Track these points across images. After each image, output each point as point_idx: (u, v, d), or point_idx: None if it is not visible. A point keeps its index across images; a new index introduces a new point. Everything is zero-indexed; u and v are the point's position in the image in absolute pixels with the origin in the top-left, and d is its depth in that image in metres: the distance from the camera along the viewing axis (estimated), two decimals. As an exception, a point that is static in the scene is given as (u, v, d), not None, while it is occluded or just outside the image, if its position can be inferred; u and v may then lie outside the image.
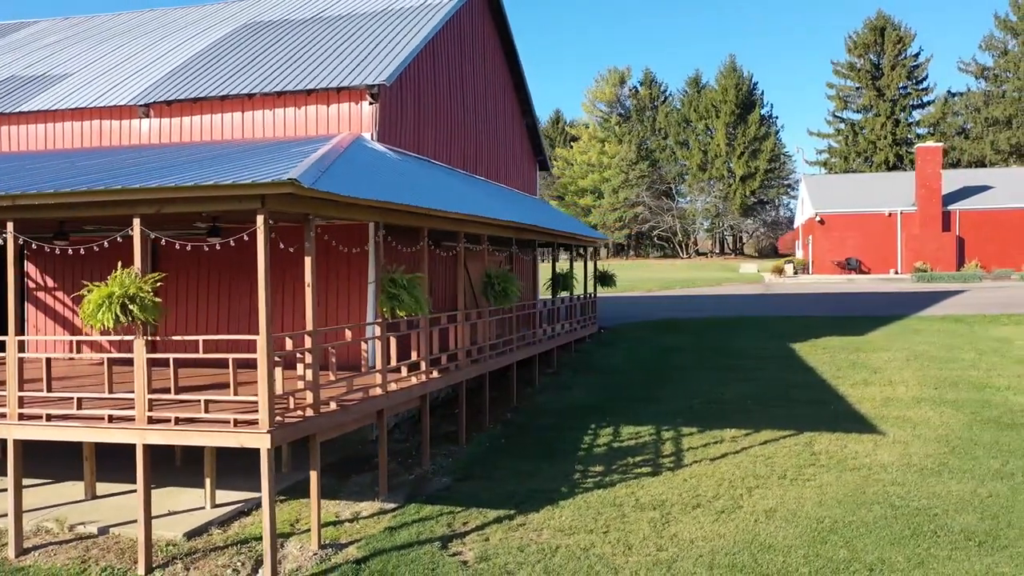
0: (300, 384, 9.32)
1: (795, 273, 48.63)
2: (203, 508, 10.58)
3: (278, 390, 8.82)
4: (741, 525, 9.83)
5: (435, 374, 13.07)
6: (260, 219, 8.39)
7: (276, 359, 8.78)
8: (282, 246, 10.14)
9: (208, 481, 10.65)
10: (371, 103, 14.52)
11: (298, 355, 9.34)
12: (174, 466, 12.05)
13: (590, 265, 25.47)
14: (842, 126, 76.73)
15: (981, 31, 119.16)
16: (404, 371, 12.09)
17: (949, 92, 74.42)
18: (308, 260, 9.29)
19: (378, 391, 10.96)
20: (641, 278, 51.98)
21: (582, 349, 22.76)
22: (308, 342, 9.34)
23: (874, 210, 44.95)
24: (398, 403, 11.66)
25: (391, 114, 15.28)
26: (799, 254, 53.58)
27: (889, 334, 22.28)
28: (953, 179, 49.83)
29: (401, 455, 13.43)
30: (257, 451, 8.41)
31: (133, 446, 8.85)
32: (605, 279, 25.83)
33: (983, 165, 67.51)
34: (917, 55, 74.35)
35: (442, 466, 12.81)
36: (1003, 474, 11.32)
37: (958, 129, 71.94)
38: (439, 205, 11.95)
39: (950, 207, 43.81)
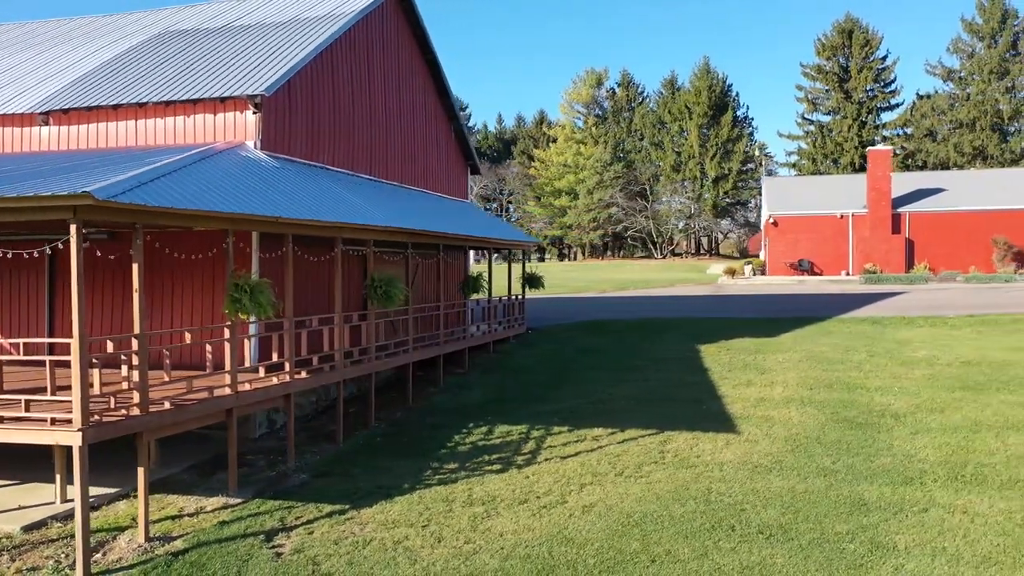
0: (125, 384, 9.78)
1: (753, 274, 49.20)
2: (52, 503, 11.03)
3: (96, 390, 9.28)
4: (555, 520, 10.32)
5: (303, 374, 13.54)
6: (73, 228, 8.85)
7: (123, 358, 9.23)
8: (168, 250, 10.60)
9: (59, 477, 11.10)
10: (254, 112, 14.99)
11: (166, 354, 9.80)
12: (51, 463, 12.49)
13: (520, 267, 25.97)
14: (811, 128, 77.39)
15: (950, 34, 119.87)
16: (262, 371, 12.57)
17: (918, 94, 75.13)
18: (135, 266, 9.75)
19: (227, 391, 11.42)
20: (601, 279, 52.48)
21: (502, 350, 23.22)
22: (135, 344, 9.79)
23: (826, 212, 45.53)
24: (252, 402, 12.12)
25: (279, 122, 15.75)
26: (761, 255, 54.17)
27: (801, 335, 22.78)
28: (909, 181, 50.46)
29: (276, 452, 13.86)
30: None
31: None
32: (533, 281, 26.33)
33: (948, 167, 68.18)
34: (884, 58, 75.03)
35: (308, 463, 13.26)
36: (828, 471, 11.82)
37: (926, 131, 72.58)
38: (296, 214, 12.42)
39: (900, 209, 44.40)
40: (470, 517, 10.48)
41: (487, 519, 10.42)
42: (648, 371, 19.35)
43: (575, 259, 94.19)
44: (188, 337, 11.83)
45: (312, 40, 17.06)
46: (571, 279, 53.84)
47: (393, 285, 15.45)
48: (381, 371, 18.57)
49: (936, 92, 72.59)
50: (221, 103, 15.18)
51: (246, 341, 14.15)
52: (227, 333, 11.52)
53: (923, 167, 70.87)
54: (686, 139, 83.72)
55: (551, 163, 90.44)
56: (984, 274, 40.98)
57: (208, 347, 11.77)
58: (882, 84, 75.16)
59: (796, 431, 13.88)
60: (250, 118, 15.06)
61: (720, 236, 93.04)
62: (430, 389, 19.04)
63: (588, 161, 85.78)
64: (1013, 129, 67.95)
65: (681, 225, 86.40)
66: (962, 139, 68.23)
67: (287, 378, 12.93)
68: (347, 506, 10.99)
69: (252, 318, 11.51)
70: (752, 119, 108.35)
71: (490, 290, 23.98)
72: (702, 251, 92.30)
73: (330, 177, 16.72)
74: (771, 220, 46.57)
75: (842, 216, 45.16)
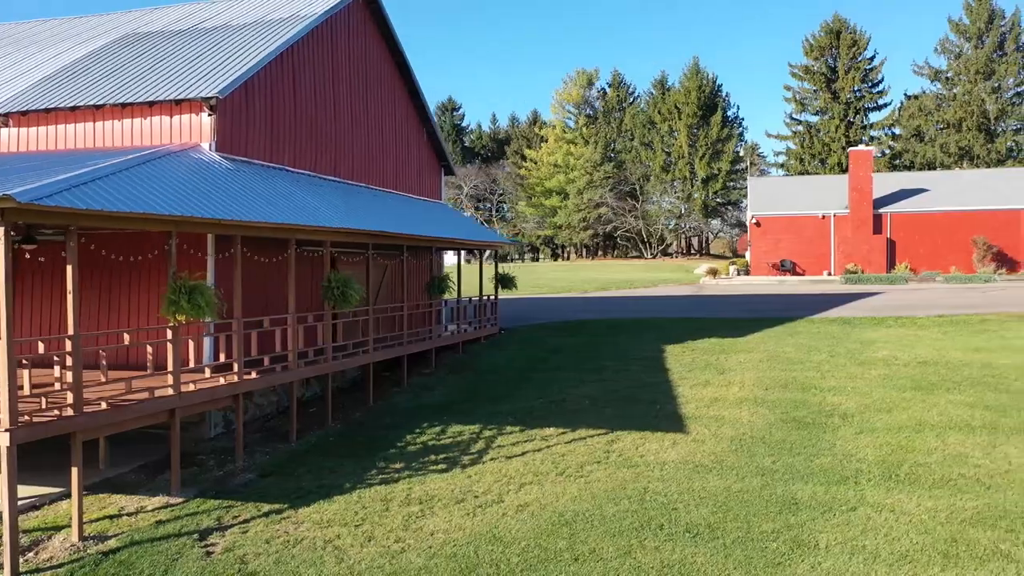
0: (58, 385, 9.87)
1: (737, 275, 49.34)
2: (-8, 503, 11.10)
3: (26, 391, 9.37)
4: (487, 519, 10.43)
5: (253, 375, 13.64)
6: (0, 230, 8.94)
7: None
8: (115, 252, 10.69)
9: None
10: (209, 114, 15.09)
11: (102, 355, 9.89)
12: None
13: (498, 267, 26.07)
14: (799, 128, 77.54)
15: (938, 34, 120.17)
16: (208, 372, 12.67)
17: (906, 95, 75.33)
18: (69, 268, 9.85)
19: (169, 391, 11.52)
20: (586, 279, 52.58)
21: (472, 350, 23.30)
22: (69, 345, 9.89)
23: (808, 213, 45.68)
24: (197, 403, 12.21)
25: (236, 124, 15.85)
26: (747, 256, 54.31)
27: (767, 336, 22.89)
28: (892, 182, 50.63)
29: (229, 452, 13.94)
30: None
31: None
32: (505, 282, 26.43)
33: (934, 168, 68.38)
34: (872, 58, 75.19)
35: (258, 463, 13.36)
36: (766, 470, 11.93)
37: (913, 132, 72.76)
38: (242, 215, 12.51)
39: (881, 210, 44.55)
40: (405, 516, 10.58)
41: (421, 518, 10.52)
42: (611, 371, 19.46)
43: (568, 259, 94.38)
44: (127, 338, 11.91)
45: (272, 42, 17.16)
46: (556, 279, 53.98)
47: (349, 286, 15.54)
48: (347, 371, 18.77)
49: (923, 92, 72.79)
50: (177, 105, 15.28)
51: (204, 341, 14.28)
52: (170, 334, 11.61)
53: (910, 167, 71.07)
54: (676, 139, 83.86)
55: (541, 163, 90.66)
56: (964, 274, 41.14)
57: (149, 348, 11.84)
58: (869, 84, 75.33)
59: (743, 431, 13.99)
60: (205, 120, 15.15)
61: (711, 236, 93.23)
62: (394, 389, 19.15)
63: (578, 161, 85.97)
64: (999, 129, 68.09)
65: (671, 225, 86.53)
66: (948, 139, 68.44)
67: (235, 379, 13.02)
68: (285, 505, 11.09)
69: (207, 319, 11.61)
70: (743, 119, 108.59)
71: (459, 290, 24.10)
72: (693, 251, 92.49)
73: (289, 178, 16.81)
74: (754, 221, 46.72)
75: (824, 216, 45.30)
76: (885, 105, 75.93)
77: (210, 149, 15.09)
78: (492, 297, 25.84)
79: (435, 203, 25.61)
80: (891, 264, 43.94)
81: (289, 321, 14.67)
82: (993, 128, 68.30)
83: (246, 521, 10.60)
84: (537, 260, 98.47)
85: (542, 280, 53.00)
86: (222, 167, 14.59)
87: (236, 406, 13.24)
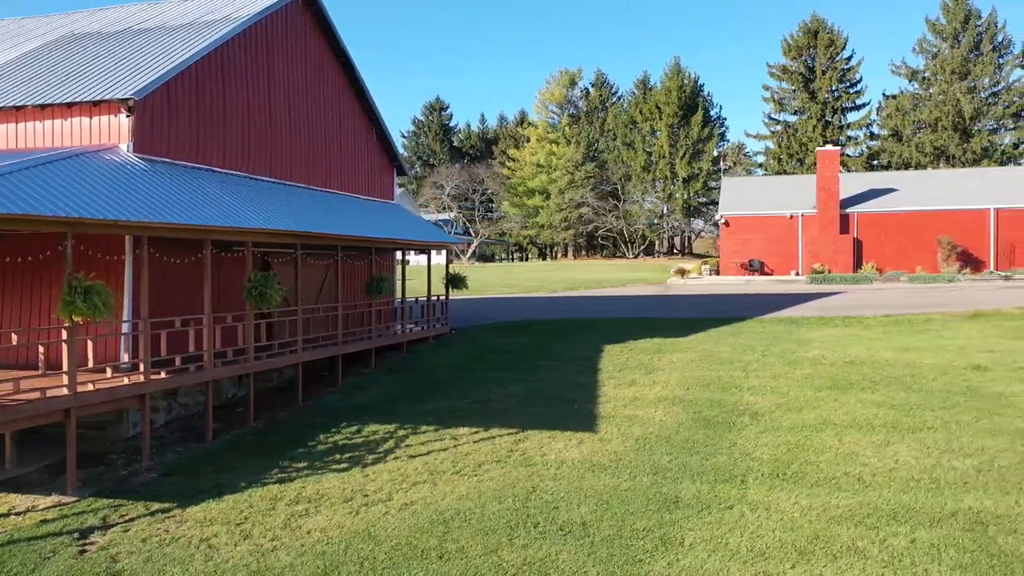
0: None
1: (708, 274, 49.48)
2: None
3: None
4: (368, 518, 10.52)
5: (163, 375, 13.73)
6: None
7: None
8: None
9: None
10: (127, 115, 15.16)
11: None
12: None
13: (458, 267, 26.12)
14: (778, 128, 77.73)
15: (917, 35, 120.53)
16: (109, 372, 12.75)
17: (884, 95, 75.53)
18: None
19: (64, 391, 11.60)
20: (559, 279, 52.70)
21: (417, 350, 23.39)
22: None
23: (777, 213, 45.84)
24: (95, 402, 12.29)
25: (157, 125, 15.93)
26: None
27: (710, 336, 23.01)
28: (863, 181, 50.85)
29: (139, 451, 14.01)
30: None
31: None
32: (456, 282, 26.53)
33: (911, 167, 68.63)
34: (849, 58, 75.42)
35: (166, 462, 13.43)
36: (660, 469, 12.04)
37: (891, 131, 73.01)
38: (144, 216, 12.58)
39: (848, 210, 44.72)
40: (288, 515, 10.67)
41: (304, 517, 10.62)
42: (546, 371, 19.57)
43: (555, 259, 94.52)
44: (15, 338, 11.98)
45: (197, 44, 17.22)
46: (530, 279, 54.12)
47: (268, 286, 15.62)
48: (284, 371, 18.85)
49: (901, 92, 73.02)
50: (95, 106, 15.35)
51: (119, 340, 14.36)
52: (65, 334, 11.69)
53: (888, 167, 71.33)
54: (657, 139, 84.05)
55: (524, 163, 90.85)
56: (928, 274, 41.33)
57: (41, 348, 11.91)
58: (847, 84, 75.56)
59: (652, 430, 14.10)
60: (123, 121, 15.23)
61: (693, 236, 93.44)
62: (328, 389, 19.26)
63: (560, 161, 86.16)
64: (975, 129, 68.34)
65: (652, 225, 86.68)
66: (924, 139, 68.68)
67: (141, 379, 13.10)
68: (175, 505, 11.17)
69: (81, 320, 11.69)
70: (725, 119, 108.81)
71: (403, 291, 24.20)
72: (676, 251, 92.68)
73: (213, 179, 16.87)
74: (722, 220, 46.87)
75: (792, 216, 45.48)
76: (863, 105, 76.26)
77: (128, 150, 15.17)
78: (441, 297, 25.93)
79: (384, 203, 25.69)
80: (858, 264, 44.12)
81: (205, 321, 14.75)
82: (969, 128, 68.54)
83: (131, 520, 10.68)
84: (525, 259, 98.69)
85: (515, 280, 53.15)
86: (136, 168, 14.66)
87: (143, 406, 13.30)
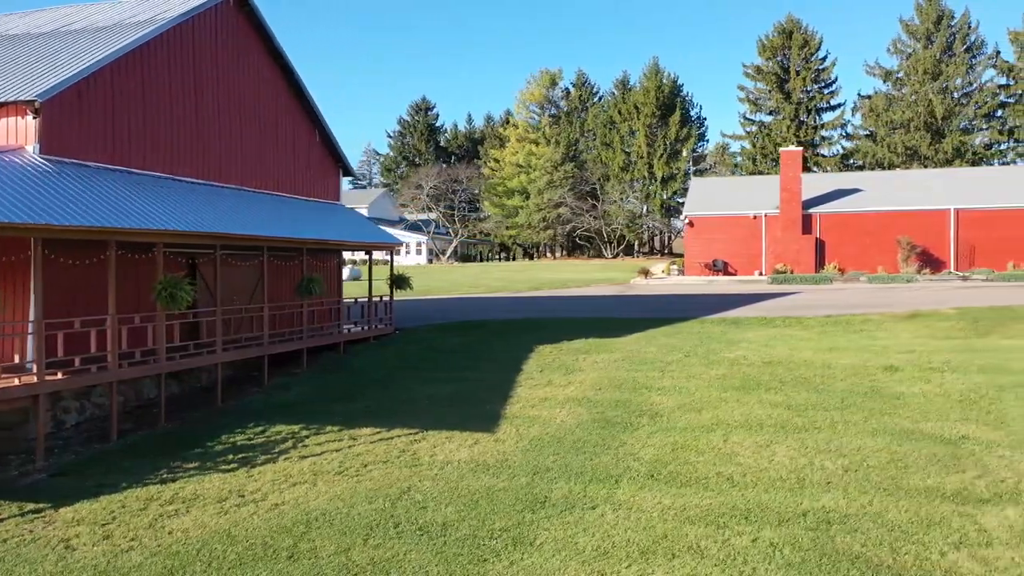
0: None
1: (677, 274, 49.62)
2: None
3: None
4: (235, 518, 10.60)
5: (59, 376, 13.79)
6: None
7: None
8: None
9: None
10: (34, 117, 15.21)
11: None
12: None
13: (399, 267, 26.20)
14: (753, 128, 77.94)
15: (893, 35, 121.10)
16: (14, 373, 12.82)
17: (859, 95, 75.78)
18: None
19: (-56, 393, 11.65)
20: (527, 279, 52.74)
21: (355, 350, 23.45)
22: None
23: (741, 213, 46.01)
24: (-21, 404, 12.34)
25: (68, 127, 15.97)
26: (689, 255, 54.58)
27: (646, 336, 23.10)
28: (830, 182, 51.07)
29: (47, 451, 14.05)
30: None
31: None
32: (400, 282, 26.59)
33: (884, 167, 68.90)
34: (824, 58, 75.65)
35: (61, 463, 13.51)
36: (541, 469, 12.13)
37: (867, 132, 73.29)
38: (35, 218, 12.64)
39: (811, 210, 44.91)
40: (156, 516, 10.74)
41: (171, 517, 10.69)
42: (473, 372, 19.66)
43: (537, 259, 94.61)
44: None
45: (114, 45, 17.26)
46: (498, 279, 54.17)
47: (178, 288, 15.68)
48: (213, 371, 18.90)
49: (876, 92, 73.31)
50: (1, 108, 15.38)
51: (22, 340, 14.42)
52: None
53: (862, 167, 71.59)
54: (635, 139, 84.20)
55: (505, 163, 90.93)
56: (888, 274, 41.54)
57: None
58: (821, 85, 75.80)
59: (549, 430, 14.20)
60: (30, 123, 15.28)
61: (672, 235, 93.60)
62: (253, 389, 19.33)
63: (539, 161, 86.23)
64: (947, 129, 68.61)
65: (631, 225, 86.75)
66: (896, 140, 68.95)
67: (34, 379, 13.16)
68: (49, 505, 11.22)
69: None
70: (704, 119, 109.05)
71: (340, 292, 24.24)
72: (655, 251, 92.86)
73: (127, 180, 16.91)
74: (686, 220, 47.03)
75: (756, 217, 45.65)
76: (838, 105, 76.54)
77: (35, 152, 15.21)
78: (384, 297, 26.02)
79: (327, 204, 25.74)
80: (820, 264, 44.31)
81: (109, 322, 14.81)
82: (941, 128, 68.81)
83: (2, 520, 10.73)
84: (511, 259, 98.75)
85: (483, 280, 53.20)
86: (41, 170, 14.71)
87: (35, 407, 13.36)
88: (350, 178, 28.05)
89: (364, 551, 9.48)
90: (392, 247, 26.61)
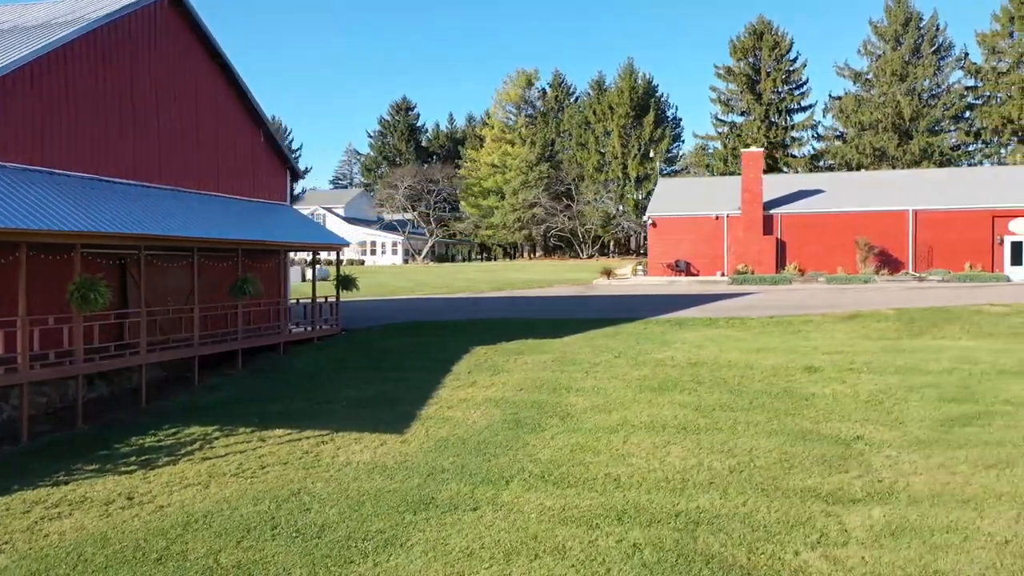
0: None
1: (642, 274, 49.75)
2: None
3: None
4: (116, 520, 10.59)
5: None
6: None
7: None
8: None
9: None
10: (-55, 118, 15.12)
11: None
12: None
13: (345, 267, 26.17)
14: (724, 129, 78.28)
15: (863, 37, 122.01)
16: None
17: (830, 96, 76.18)
18: None
19: None
20: (493, 279, 52.79)
21: (296, 351, 23.45)
22: None
23: (703, 214, 46.20)
24: None
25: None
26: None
27: (586, 337, 23.17)
28: (794, 182, 51.36)
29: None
30: None
31: None
32: (346, 283, 26.58)
33: (853, 168, 69.36)
34: (794, 60, 76.06)
35: (-39, 465, 13.44)
36: (437, 471, 12.17)
37: (836, 132, 73.77)
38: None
39: (773, 211, 45.15)
40: (38, 518, 10.72)
41: (53, 520, 10.67)
42: (405, 372, 19.69)
43: (515, 259, 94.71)
44: None
45: (34, 44, 17.19)
46: (465, 279, 54.20)
47: (92, 289, 15.64)
48: (146, 371, 18.87)
49: (846, 93, 73.77)
50: (-85, 109, 15.30)
51: None
52: None
53: (831, 168, 72.03)
54: (610, 139, 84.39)
55: (480, 163, 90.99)
56: (847, 275, 41.83)
57: None
58: (792, 86, 76.20)
59: (458, 432, 14.26)
60: (-58, 123, 15.20)
61: (645, 236, 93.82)
62: (182, 390, 19.31)
63: (514, 162, 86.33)
64: (914, 131, 69.11)
65: (604, 225, 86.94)
66: (863, 141, 69.45)
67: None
68: (-71, 508, 11.18)
69: None
70: (680, 119, 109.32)
71: (285, 292, 24.22)
72: (630, 251, 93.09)
73: (46, 182, 16.84)
74: (649, 221, 47.20)
75: (718, 217, 45.86)
76: (809, 106, 76.94)
77: (-54, 152, 15.13)
78: (329, 298, 26.02)
79: (271, 205, 25.70)
80: (781, 265, 44.56)
81: (19, 324, 14.76)
82: (908, 129, 69.33)
83: None
84: (491, 259, 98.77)
85: (448, 281, 53.18)
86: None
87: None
88: (300, 179, 28.01)
89: (234, 553, 9.49)
90: (338, 248, 26.60)
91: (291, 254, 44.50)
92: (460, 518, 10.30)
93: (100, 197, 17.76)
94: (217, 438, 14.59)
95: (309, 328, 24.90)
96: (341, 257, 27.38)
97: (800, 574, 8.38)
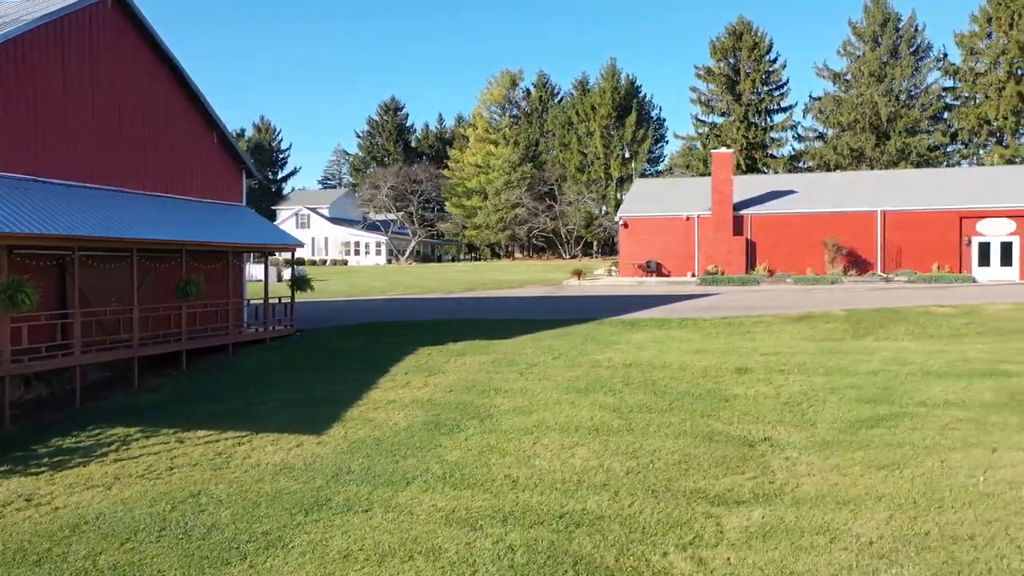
0: None
1: (615, 275, 49.80)
2: None
3: None
4: (7, 522, 10.60)
5: None
6: None
7: None
8: None
9: None
10: None
11: None
12: None
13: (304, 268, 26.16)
14: (704, 130, 78.41)
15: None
16: None
17: (810, 96, 76.33)
18: None
19: None
20: (469, 280, 52.81)
21: (245, 352, 23.46)
22: None
23: (674, 214, 46.30)
24: None
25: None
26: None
27: (535, 338, 23.18)
28: (768, 183, 51.50)
29: None
30: None
31: None
32: (300, 283, 26.60)
33: (831, 168, 69.56)
34: (774, 60, 76.20)
35: None
36: (342, 472, 12.19)
37: (816, 133, 74.01)
38: None
39: (743, 211, 45.25)
40: (-70, 520, 10.73)
41: (-56, 522, 10.68)
42: (345, 373, 19.72)
43: (507, 259, 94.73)
44: None
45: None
46: (440, 279, 54.23)
47: (19, 290, 15.67)
48: (88, 372, 18.89)
49: (826, 94, 73.98)
50: None
51: None
52: None
53: (810, 169, 72.22)
54: (592, 140, 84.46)
55: (464, 164, 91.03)
56: (815, 275, 41.95)
57: None
58: (772, 87, 76.35)
59: (377, 433, 14.30)
60: None
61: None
62: (122, 391, 19.33)
63: (497, 162, 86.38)
64: (892, 131, 69.32)
65: (589, 225, 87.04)
66: (840, 141, 69.68)
67: None
68: None
69: None
70: (664, 120, 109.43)
71: (241, 293, 24.25)
72: (614, 251, 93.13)
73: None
74: (621, 222, 47.27)
75: (688, 218, 45.96)
76: (789, 107, 77.12)
77: None
78: (282, 299, 26.04)
79: (224, 206, 25.70)
80: (751, 265, 44.67)
81: (-62, 325, 14.75)
82: (886, 130, 69.54)
83: None
84: (479, 259, 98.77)
85: (422, 282, 53.20)
86: None
87: None
88: (254, 181, 27.96)
89: (114, 555, 9.53)
90: (293, 248, 26.61)
91: (276, 254, 44.41)
92: (349, 520, 10.35)
93: (34, 198, 17.76)
94: (137, 439, 14.61)
95: (261, 329, 24.91)
96: (326, 257, 27.38)
97: (663, 575, 8.43)
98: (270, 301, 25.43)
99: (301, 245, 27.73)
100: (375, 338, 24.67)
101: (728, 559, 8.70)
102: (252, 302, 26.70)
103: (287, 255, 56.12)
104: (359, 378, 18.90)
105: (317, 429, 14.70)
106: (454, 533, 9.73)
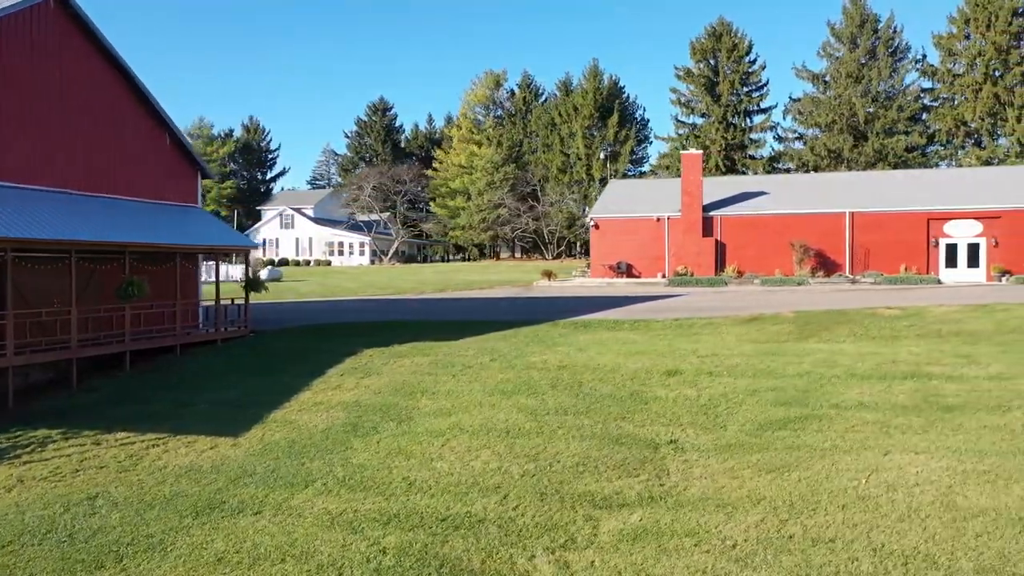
0: None
1: (582, 276, 49.81)
2: None
3: None
4: None
5: None
6: None
7: None
8: None
9: None
10: None
11: None
12: None
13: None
14: (684, 131, 78.52)
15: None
16: None
17: (790, 97, 76.48)
18: None
19: None
20: (443, 280, 52.84)
21: (195, 352, 23.47)
22: None
23: (645, 215, 46.37)
24: None
25: None
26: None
27: (481, 339, 23.20)
28: (741, 184, 51.62)
29: None
30: None
31: None
32: (254, 285, 26.63)
33: (809, 169, 69.74)
34: (753, 61, 76.31)
35: None
36: (246, 474, 12.22)
37: (796, 134, 74.21)
38: None
39: (713, 212, 45.35)
40: None
41: None
42: (282, 374, 19.73)
43: (494, 259, 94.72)
44: None
45: None
46: (416, 280, 54.21)
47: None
48: (30, 373, 18.91)
49: (805, 95, 74.16)
50: None
51: None
52: None
53: (789, 170, 72.38)
54: (575, 140, 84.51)
55: (448, 164, 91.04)
56: (783, 276, 42.07)
57: None
58: (751, 88, 76.45)
59: (293, 435, 14.34)
60: None
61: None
62: (62, 392, 19.34)
63: (480, 162, 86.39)
64: (869, 132, 69.49)
65: (571, 226, 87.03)
66: (817, 143, 69.87)
67: None
68: None
69: None
70: (648, 121, 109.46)
71: (196, 294, 24.26)
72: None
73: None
74: (592, 223, 47.35)
75: (659, 219, 46.03)
76: (769, 108, 77.24)
77: None
78: (235, 300, 26.06)
79: (175, 207, 25.69)
80: (720, 266, 44.76)
81: None
82: (864, 131, 69.72)
83: None
84: (467, 260, 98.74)
85: (396, 283, 53.22)
86: None
87: None
88: (210, 179, 28.02)
89: (25, 567, 9.54)
90: (246, 250, 26.63)
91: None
92: (236, 522, 10.39)
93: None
94: (55, 441, 14.62)
95: (211, 330, 24.92)
96: (279, 259, 27.30)
97: (523, 578, 8.49)
98: (222, 302, 25.43)
99: (255, 247, 27.73)
100: (324, 340, 24.67)
101: (592, 562, 8.76)
102: (204, 303, 26.69)
103: (259, 255, 55.93)
104: (295, 380, 18.92)
105: (236, 431, 14.74)
106: (334, 536, 9.78)
